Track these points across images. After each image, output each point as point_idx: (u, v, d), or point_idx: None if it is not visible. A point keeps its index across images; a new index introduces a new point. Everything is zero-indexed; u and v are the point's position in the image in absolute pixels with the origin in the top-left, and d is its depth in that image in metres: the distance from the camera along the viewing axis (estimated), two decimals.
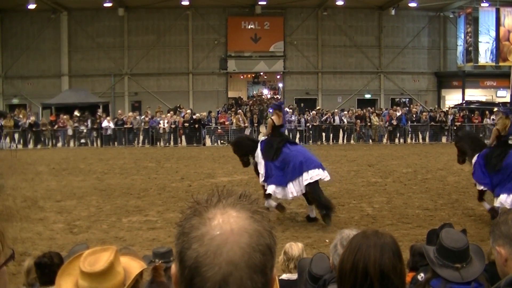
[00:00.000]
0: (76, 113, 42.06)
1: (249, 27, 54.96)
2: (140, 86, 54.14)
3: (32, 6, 46.97)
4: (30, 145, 40.09)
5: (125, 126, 39.97)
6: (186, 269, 1.61)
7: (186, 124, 39.68)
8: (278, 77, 59.90)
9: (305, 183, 15.27)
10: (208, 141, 40.42)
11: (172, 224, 14.66)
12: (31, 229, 14.75)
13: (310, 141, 39.96)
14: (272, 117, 16.78)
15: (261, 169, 16.01)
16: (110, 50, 54.13)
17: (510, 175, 14.72)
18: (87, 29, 53.65)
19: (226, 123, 40.96)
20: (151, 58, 54.40)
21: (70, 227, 15.10)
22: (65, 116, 40.98)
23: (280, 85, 60.16)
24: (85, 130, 40.80)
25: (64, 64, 53.73)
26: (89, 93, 49.56)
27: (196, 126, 39.57)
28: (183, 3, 50.44)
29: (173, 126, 39.75)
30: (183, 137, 40.27)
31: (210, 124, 40.91)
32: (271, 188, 15.68)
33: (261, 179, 16.03)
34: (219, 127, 40.73)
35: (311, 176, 15.31)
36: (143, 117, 41.05)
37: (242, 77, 62.35)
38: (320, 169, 15.55)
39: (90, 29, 53.74)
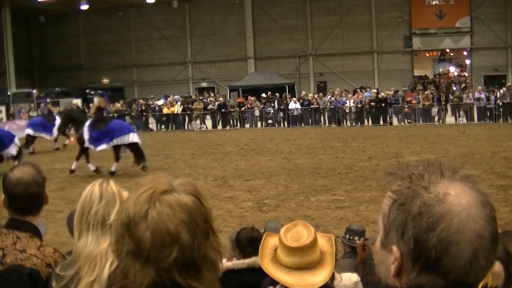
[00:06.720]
0: (263, 94, 42.85)
1: (433, 3, 52.86)
2: (324, 67, 54.10)
3: None
4: (219, 127, 41.34)
5: (311, 106, 40.02)
6: (429, 251, 1.51)
7: (373, 104, 38.99)
8: (465, 53, 57.18)
9: None
10: (394, 120, 39.44)
11: (360, 204, 14.63)
12: (222, 206, 14.90)
13: (500, 119, 37.72)
14: None
15: None
16: (294, 32, 54.62)
17: None
18: (270, 12, 54.53)
19: (413, 101, 39.71)
20: (334, 39, 54.20)
21: (259, 205, 15.11)
22: (252, 98, 41.86)
23: (468, 62, 57.45)
24: (272, 111, 41.41)
25: (249, 48, 55.04)
26: (274, 75, 50.42)
27: (383, 105, 38.67)
28: None
29: (359, 105, 39.30)
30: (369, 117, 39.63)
31: (398, 103, 39.86)
32: None
33: None
34: (406, 106, 39.62)
35: None
36: (329, 97, 40.91)
37: (427, 54, 60.28)
38: None
39: (273, 12, 54.59)
